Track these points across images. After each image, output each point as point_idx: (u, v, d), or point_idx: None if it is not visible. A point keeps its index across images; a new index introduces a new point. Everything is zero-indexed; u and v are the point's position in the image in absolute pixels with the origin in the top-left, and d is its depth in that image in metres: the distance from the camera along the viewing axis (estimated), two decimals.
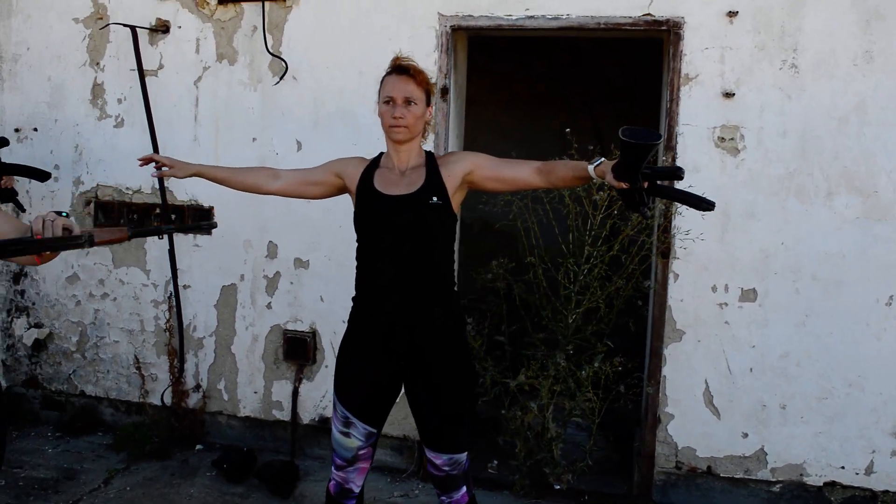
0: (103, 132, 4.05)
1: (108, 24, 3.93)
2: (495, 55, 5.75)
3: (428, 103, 2.56)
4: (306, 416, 3.97)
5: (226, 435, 4.10)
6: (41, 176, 3.57)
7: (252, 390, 4.01)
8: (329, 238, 3.85)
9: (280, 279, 3.92)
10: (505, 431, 3.67)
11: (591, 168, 2.25)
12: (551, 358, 3.51)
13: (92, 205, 4.09)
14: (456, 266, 2.89)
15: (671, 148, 3.51)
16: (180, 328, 4.01)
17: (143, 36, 3.93)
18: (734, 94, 3.45)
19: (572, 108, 5.64)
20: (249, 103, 3.88)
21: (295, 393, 3.94)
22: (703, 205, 2.28)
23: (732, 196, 3.48)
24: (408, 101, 2.47)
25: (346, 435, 2.56)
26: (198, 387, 4.05)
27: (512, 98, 5.82)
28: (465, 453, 2.59)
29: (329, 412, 3.93)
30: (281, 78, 3.82)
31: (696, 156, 3.50)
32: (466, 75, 4.10)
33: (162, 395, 4.05)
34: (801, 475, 3.52)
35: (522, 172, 2.52)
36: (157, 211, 3.99)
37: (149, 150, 3.88)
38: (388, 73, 2.56)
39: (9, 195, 3.65)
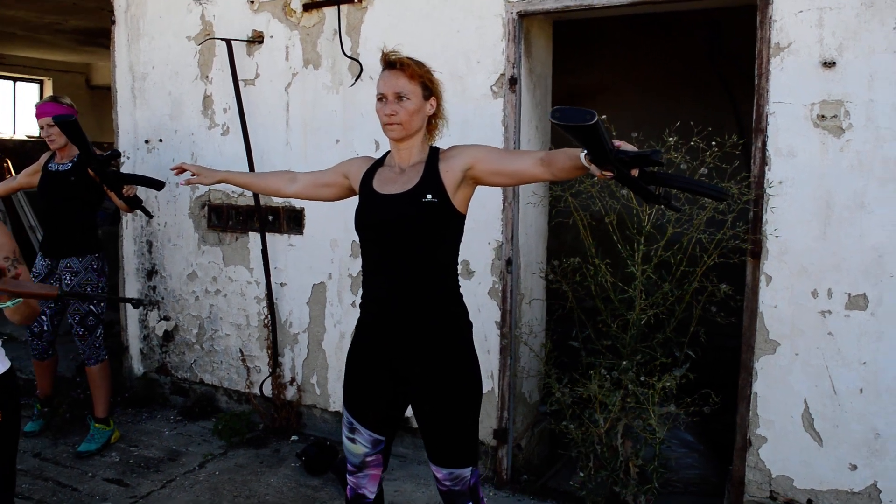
0: (213, 140, 4.35)
1: (209, 39, 4.21)
2: (626, 39, 5.37)
3: (430, 96, 2.42)
4: None
5: (319, 428, 4.23)
6: (157, 185, 3.90)
7: (341, 385, 4.10)
8: None
9: (356, 278, 3.97)
10: (574, 444, 3.41)
11: (581, 156, 2.00)
12: (617, 367, 3.20)
13: (206, 208, 4.41)
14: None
15: (761, 131, 3.04)
16: (274, 324, 4.20)
17: (241, 47, 4.17)
18: (835, 64, 2.91)
19: (710, 89, 5.09)
20: (333, 106, 3.96)
21: None
22: (714, 194, 1.97)
23: (836, 184, 2.94)
24: (399, 97, 2.35)
25: (353, 441, 2.52)
26: (293, 380, 4.23)
27: (645, 82, 5.38)
28: (469, 468, 2.44)
29: (410, 412, 3.90)
30: (357, 79, 3.85)
31: (790, 138, 3.00)
32: (552, 62, 3.88)
33: (261, 387, 4.28)
34: None
35: (525, 164, 2.31)
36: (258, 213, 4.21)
37: (253, 156, 4.12)
38: (382, 70, 2.46)
39: (135, 202, 4.03)
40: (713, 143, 3.04)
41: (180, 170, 2.90)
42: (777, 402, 3.12)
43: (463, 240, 3.63)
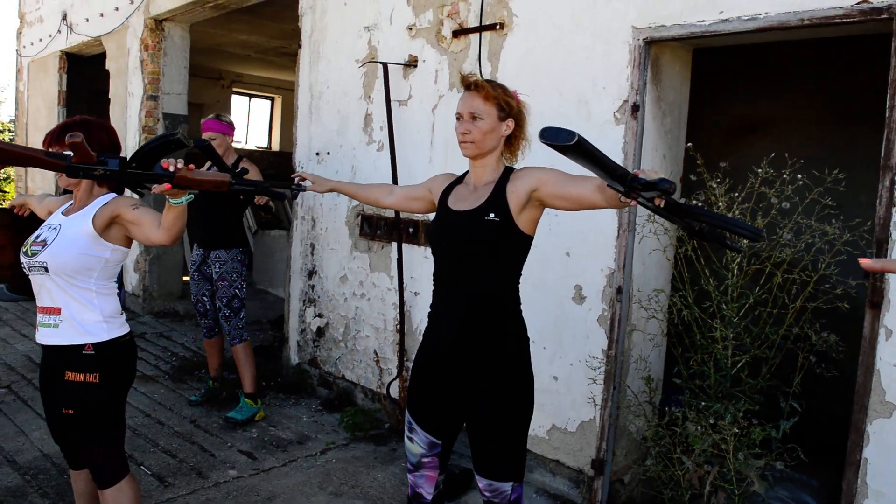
0: (370, 155, 4.71)
1: (370, 62, 4.58)
2: (805, 67, 4.99)
3: (506, 117, 2.52)
4: None
5: None
6: (280, 196, 4.25)
7: None
8: (529, 258, 3.88)
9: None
10: (664, 487, 3.26)
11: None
12: (709, 410, 3.02)
13: (359, 217, 4.78)
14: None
15: (889, 168, 2.74)
16: (403, 329, 4.44)
17: (398, 70, 4.49)
18: None
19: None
20: None
21: None
22: (745, 233, 1.86)
23: None
24: (473, 117, 2.48)
25: (411, 440, 2.66)
26: None
27: (821, 113, 4.95)
28: (511, 484, 2.48)
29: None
30: None
31: None
32: (689, 90, 3.75)
33: (388, 387, 4.53)
34: None
35: (584, 190, 2.34)
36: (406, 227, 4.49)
37: (400, 171, 4.42)
38: (463, 91, 2.59)
39: (266, 209, 4.52)
40: (827, 175, 2.79)
41: (301, 178, 3.23)
42: (890, 473, 2.77)
43: (577, 265, 3.68)
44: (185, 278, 7.37)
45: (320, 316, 5.07)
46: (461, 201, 2.55)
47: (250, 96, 11.60)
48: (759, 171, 2.85)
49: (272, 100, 11.73)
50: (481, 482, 2.51)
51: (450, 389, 2.55)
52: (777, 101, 5.08)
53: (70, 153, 2.13)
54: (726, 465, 3.03)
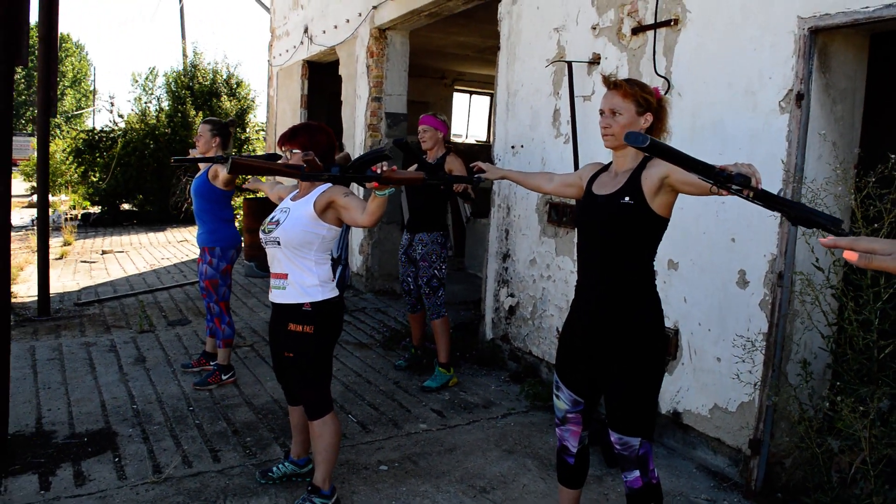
0: (557, 147, 5.06)
1: (557, 61, 4.93)
2: None
3: (644, 112, 2.78)
4: (664, 406, 4.23)
5: None
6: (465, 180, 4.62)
7: None
8: (696, 243, 4.04)
9: (657, 278, 4.27)
10: (813, 471, 3.31)
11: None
12: (866, 394, 3.04)
13: (548, 205, 5.15)
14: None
15: None
16: None
17: (583, 68, 4.79)
18: None
19: None
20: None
21: None
22: (824, 222, 1.92)
23: None
24: (613, 112, 2.79)
25: (557, 397, 3.04)
26: None
27: None
28: (639, 440, 2.76)
29: (682, 407, 4.13)
30: (665, 94, 4.18)
31: None
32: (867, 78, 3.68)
33: None
34: None
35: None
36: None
37: (581, 161, 4.74)
38: (606, 90, 2.90)
39: (465, 196, 4.95)
40: None
41: (479, 168, 3.69)
42: None
43: (741, 250, 3.84)
44: None
45: (512, 296, 5.53)
46: (603, 187, 2.86)
47: (470, 93, 12.35)
48: (893, 156, 2.84)
49: (491, 96, 12.39)
50: (613, 436, 2.80)
51: (590, 354, 2.86)
52: None
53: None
54: (877, 452, 3.05)
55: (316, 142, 3.40)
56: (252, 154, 14.06)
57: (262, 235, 3.39)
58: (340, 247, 6.60)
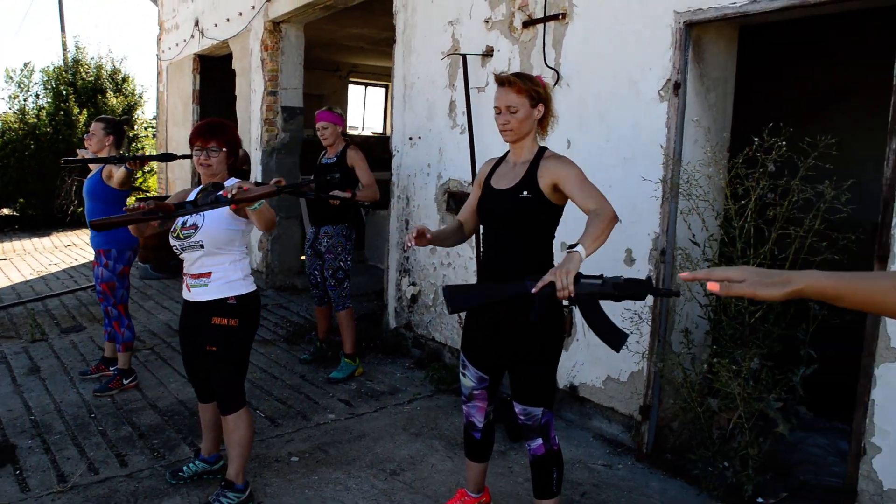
0: (454, 138, 5.21)
1: (451, 54, 5.07)
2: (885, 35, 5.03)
3: (537, 104, 2.92)
4: (561, 381, 4.46)
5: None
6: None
7: None
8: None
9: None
10: (696, 430, 3.59)
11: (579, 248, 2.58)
12: (740, 356, 3.33)
13: (446, 194, 5.30)
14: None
15: (895, 132, 2.96)
16: None
17: (476, 60, 4.95)
18: None
19: None
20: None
21: None
22: (606, 338, 2.56)
23: None
24: (509, 109, 2.91)
25: (464, 375, 3.17)
26: None
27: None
28: (541, 409, 2.93)
29: (578, 381, 4.36)
30: (555, 85, 4.39)
31: None
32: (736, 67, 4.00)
33: None
34: None
35: (583, 207, 2.77)
36: None
37: (477, 149, 4.89)
38: (497, 87, 3.00)
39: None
40: (805, 142, 3.03)
41: (421, 235, 3.02)
42: (894, 413, 3.00)
43: (628, 231, 4.05)
44: (303, 257, 8.18)
45: (414, 284, 5.65)
46: (502, 179, 3.00)
47: (366, 85, 12.37)
48: (756, 139, 3.13)
49: (386, 88, 12.44)
50: (517, 407, 2.96)
51: (494, 332, 3.02)
52: (860, 70, 5.16)
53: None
54: (750, 407, 3.34)
55: (232, 140, 3.43)
56: (143, 154, 13.61)
57: (175, 242, 3.35)
58: None
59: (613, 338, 2.51)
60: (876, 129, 3.73)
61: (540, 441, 2.96)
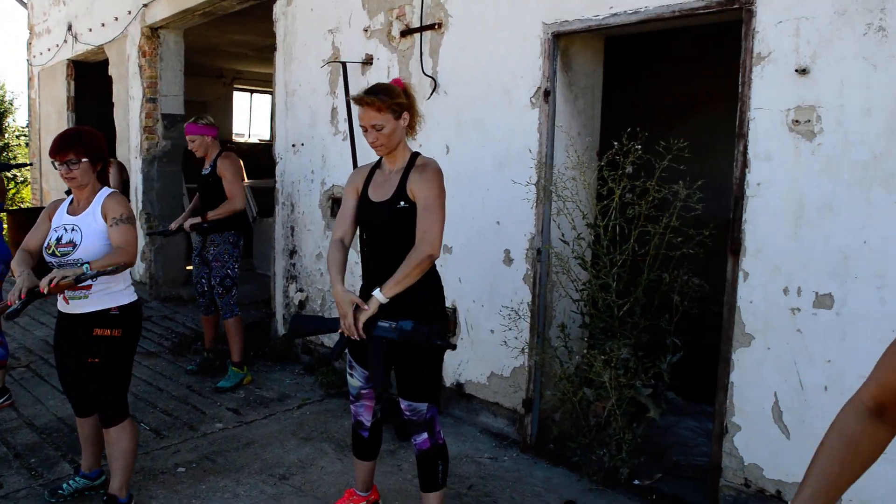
0: (336, 144, 5.27)
1: (332, 62, 5.14)
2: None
3: (400, 115, 2.98)
4: (448, 380, 4.60)
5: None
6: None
7: None
8: (466, 228, 4.42)
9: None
10: (574, 419, 3.79)
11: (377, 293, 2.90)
12: (610, 346, 3.55)
13: (330, 200, 5.34)
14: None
15: (742, 135, 3.25)
16: None
17: (357, 68, 5.03)
18: (809, 71, 3.05)
19: None
20: None
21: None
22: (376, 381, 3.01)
23: (807, 186, 3.09)
24: (374, 127, 2.97)
25: (351, 376, 3.24)
26: None
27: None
28: (426, 405, 3.03)
29: (464, 378, 4.51)
30: (433, 93, 4.53)
31: (768, 143, 3.18)
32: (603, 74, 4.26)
33: None
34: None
35: (416, 233, 2.92)
36: None
37: (359, 154, 4.96)
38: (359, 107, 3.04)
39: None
40: (661, 145, 3.29)
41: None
42: (751, 393, 3.29)
43: (505, 232, 4.20)
44: (190, 267, 8.00)
45: (301, 290, 5.66)
46: (378, 188, 3.08)
47: (251, 92, 12.21)
48: (615, 143, 3.36)
49: (272, 94, 12.34)
50: (403, 404, 3.06)
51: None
52: (707, 82, 5.56)
53: None
54: (622, 395, 3.57)
55: (92, 149, 3.33)
56: (11, 161, 12.90)
57: (51, 259, 3.25)
58: None
59: (377, 381, 2.95)
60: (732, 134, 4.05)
61: (425, 436, 3.06)
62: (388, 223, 2.97)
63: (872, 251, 2.92)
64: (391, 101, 2.96)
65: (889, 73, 2.85)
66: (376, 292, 2.88)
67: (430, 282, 3.06)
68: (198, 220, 5.02)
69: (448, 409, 4.64)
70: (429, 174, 2.96)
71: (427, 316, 3.01)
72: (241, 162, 5.21)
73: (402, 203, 2.95)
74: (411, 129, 3.13)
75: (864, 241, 2.94)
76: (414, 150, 3.16)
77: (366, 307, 2.90)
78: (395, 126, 2.98)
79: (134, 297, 3.37)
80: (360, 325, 2.88)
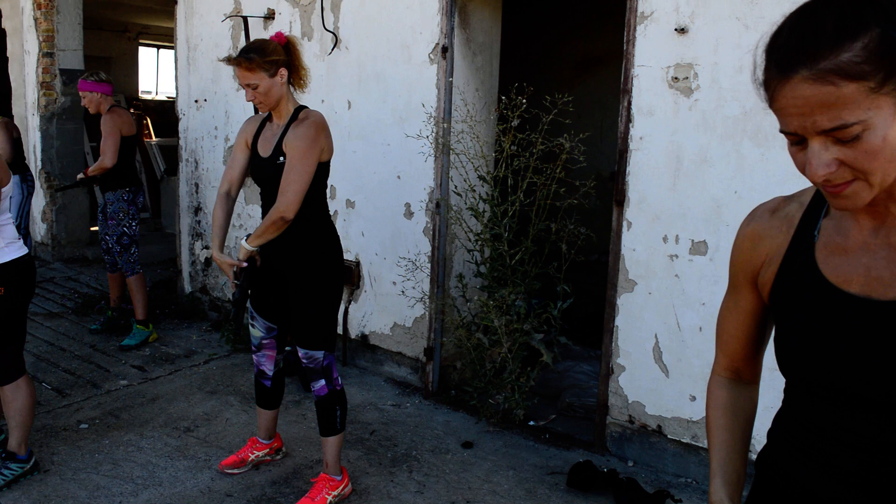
0: (240, 100, 5.21)
1: (233, 16, 5.07)
2: None
3: (276, 71, 2.98)
4: (353, 331, 4.70)
5: None
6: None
7: None
8: (368, 183, 4.48)
9: (338, 217, 4.68)
10: (470, 364, 3.96)
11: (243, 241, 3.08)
12: (502, 292, 3.70)
13: None
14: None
15: (627, 91, 3.41)
16: None
17: (259, 23, 4.98)
18: (688, 30, 3.22)
19: None
20: (320, 71, 4.67)
21: (346, 312, 4.70)
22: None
23: (685, 140, 3.28)
24: (249, 86, 2.99)
25: (253, 326, 3.30)
26: None
27: None
28: (322, 353, 3.11)
29: (368, 330, 4.61)
30: (334, 48, 4.54)
31: (650, 98, 3.35)
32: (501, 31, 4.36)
33: None
34: (751, 453, 3.19)
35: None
36: None
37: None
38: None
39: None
40: (546, 99, 3.43)
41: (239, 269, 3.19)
42: (634, 336, 3.50)
43: (406, 186, 4.28)
44: (95, 228, 7.80)
45: (207, 248, 5.63)
46: (265, 143, 3.11)
47: (158, 47, 11.81)
48: (504, 97, 3.48)
49: (175, 49, 11.97)
50: (300, 352, 3.14)
51: (277, 284, 3.16)
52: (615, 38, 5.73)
53: None
54: (516, 341, 3.74)
55: None
56: None
57: None
58: (20, 214, 6.15)
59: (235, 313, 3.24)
60: None
61: (323, 382, 3.16)
62: (271, 179, 3.02)
63: (741, 200, 3.14)
64: (262, 59, 2.96)
65: (759, 32, 3.03)
66: (243, 241, 3.09)
67: (320, 231, 3.12)
68: (82, 175, 5.02)
69: (354, 360, 4.75)
70: (301, 129, 2.97)
71: (321, 269, 3.08)
72: (131, 118, 5.11)
73: (281, 159, 2.99)
74: (298, 83, 3.15)
75: (735, 192, 3.16)
76: (313, 105, 3.20)
77: (244, 264, 3.11)
78: (271, 84, 2.99)
79: (20, 253, 3.27)
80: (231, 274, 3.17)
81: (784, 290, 1.14)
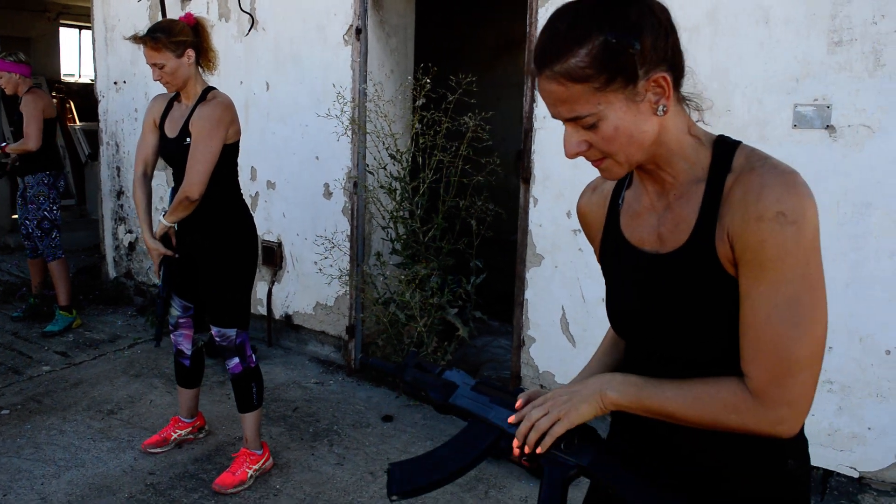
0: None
1: None
2: None
3: (183, 52, 2.99)
4: (277, 312, 4.77)
5: None
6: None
7: None
8: (288, 164, 4.54)
9: (259, 198, 4.73)
10: (388, 340, 4.08)
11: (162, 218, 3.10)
12: (411, 269, 3.81)
13: None
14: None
15: (530, 72, 3.53)
16: None
17: (177, 3, 4.95)
18: None
19: None
20: (238, 53, 4.69)
21: (269, 293, 4.76)
22: None
23: None
24: (156, 66, 3.00)
25: (171, 306, 3.33)
26: None
27: None
28: (235, 331, 3.18)
29: (292, 310, 4.69)
30: (251, 29, 4.56)
31: None
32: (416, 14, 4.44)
33: None
34: None
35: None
36: None
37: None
38: None
39: None
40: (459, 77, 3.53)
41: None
42: (543, 308, 3.66)
43: (324, 166, 4.34)
44: (15, 216, 7.63)
45: (130, 232, 5.61)
46: (173, 123, 3.14)
47: (80, 28, 11.51)
48: (409, 78, 3.58)
49: (92, 30, 11.67)
50: (214, 330, 3.21)
51: (192, 264, 3.22)
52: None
53: None
54: (431, 315, 3.87)
55: None
56: None
57: None
58: None
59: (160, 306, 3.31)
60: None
61: (237, 360, 3.23)
62: (179, 159, 3.06)
63: None
64: (168, 39, 2.97)
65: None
66: (161, 216, 3.16)
67: (232, 212, 3.18)
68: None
69: (279, 340, 4.82)
70: (206, 110, 3.01)
71: (231, 249, 3.14)
72: (51, 100, 5.05)
73: (187, 140, 3.03)
74: (207, 65, 3.18)
75: None
76: (232, 86, 3.23)
77: (175, 255, 3.22)
78: (178, 64, 3.01)
79: None
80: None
81: (604, 255, 1.29)
